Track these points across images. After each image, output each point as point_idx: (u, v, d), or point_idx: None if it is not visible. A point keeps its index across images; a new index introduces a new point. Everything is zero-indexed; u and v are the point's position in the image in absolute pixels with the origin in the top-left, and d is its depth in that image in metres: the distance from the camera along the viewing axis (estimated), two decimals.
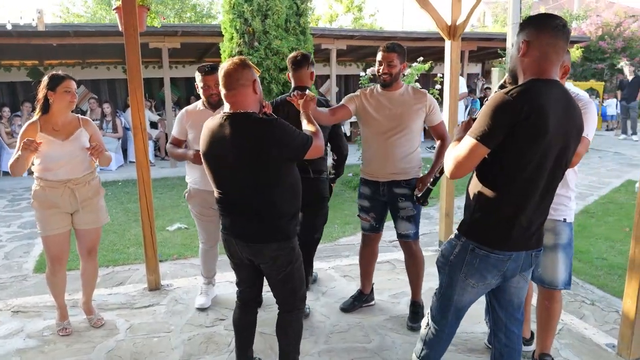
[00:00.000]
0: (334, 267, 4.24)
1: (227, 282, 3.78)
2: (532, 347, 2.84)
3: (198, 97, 3.39)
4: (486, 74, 15.24)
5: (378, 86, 3.13)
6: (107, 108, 9.58)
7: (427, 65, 7.41)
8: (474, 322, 3.11)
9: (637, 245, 2.69)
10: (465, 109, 12.22)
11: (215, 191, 2.34)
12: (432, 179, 2.72)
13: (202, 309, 3.44)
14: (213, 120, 2.28)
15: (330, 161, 3.53)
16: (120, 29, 3.57)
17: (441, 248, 2.08)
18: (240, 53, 7.09)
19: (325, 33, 10.64)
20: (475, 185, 1.92)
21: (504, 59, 12.29)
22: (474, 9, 3.95)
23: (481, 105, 11.60)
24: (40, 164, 2.97)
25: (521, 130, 1.71)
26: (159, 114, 10.97)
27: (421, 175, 3.13)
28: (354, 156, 5.83)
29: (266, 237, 2.26)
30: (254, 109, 2.24)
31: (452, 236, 2.03)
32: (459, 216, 5.46)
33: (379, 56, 3.04)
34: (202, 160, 2.34)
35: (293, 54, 3.32)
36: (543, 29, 1.79)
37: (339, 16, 21.79)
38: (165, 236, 5.34)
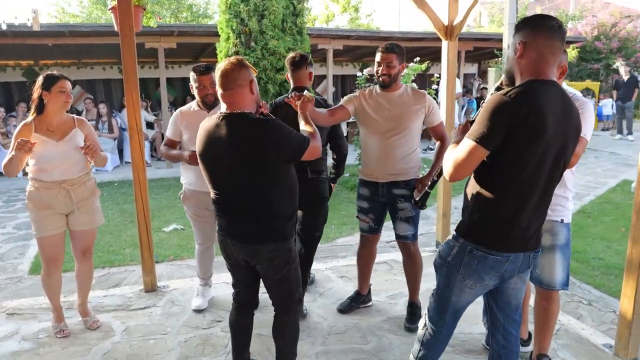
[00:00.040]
0: (331, 267, 4.23)
1: (223, 284, 3.76)
2: (530, 347, 2.84)
3: (194, 98, 3.37)
4: (482, 74, 15.26)
5: (377, 87, 3.12)
6: (102, 108, 9.53)
7: (424, 66, 7.41)
8: (472, 322, 3.11)
9: (634, 246, 2.69)
10: (462, 109, 12.24)
11: (212, 192, 2.33)
12: (430, 183, 2.71)
13: (198, 311, 3.43)
14: (209, 121, 2.27)
15: (330, 161, 3.53)
16: (116, 29, 3.55)
17: (439, 249, 2.07)
18: (236, 53, 7.07)
19: (322, 33, 10.62)
20: (473, 187, 1.92)
21: (500, 59, 12.33)
22: (471, 9, 3.95)
23: (478, 105, 11.64)
24: (35, 165, 2.94)
25: (520, 131, 1.71)
26: (155, 114, 10.93)
27: (421, 176, 3.13)
28: (351, 156, 5.82)
29: (263, 237, 2.25)
30: (250, 109, 2.23)
31: (450, 237, 2.02)
32: (456, 216, 5.48)
33: (378, 57, 3.03)
34: (199, 160, 2.32)
35: (292, 54, 3.32)
36: (539, 30, 1.79)
37: (335, 16, 21.78)
38: (161, 237, 5.31)
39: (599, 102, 14.30)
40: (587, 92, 13.47)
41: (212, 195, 2.33)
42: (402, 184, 3.06)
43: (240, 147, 2.15)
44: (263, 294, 2.48)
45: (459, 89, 11.26)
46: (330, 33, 10.95)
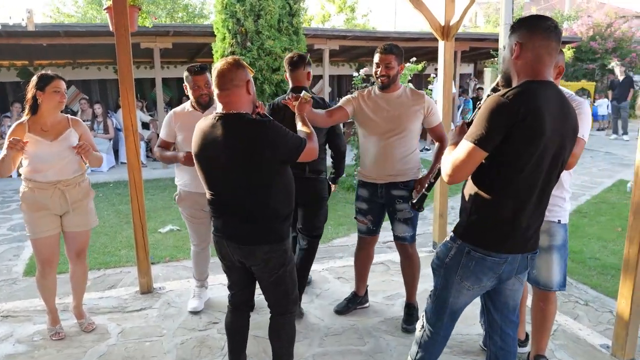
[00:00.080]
0: (328, 268, 4.22)
1: (220, 285, 3.74)
2: (527, 348, 2.84)
3: (189, 98, 3.35)
4: (478, 74, 15.30)
5: (375, 88, 3.11)
6: (98, 109, 9.49)
7: (420, 66, 7.41)
8: (469, 323, 3.10)
9: (631, 246, 2.68)
10: (458, 109, 12.26)
11: (207, 192, 2.31)
12: (427, 185, 2.69)
13: (194, 313, 3.41)
14: (205, 121, 2.25)
15: (329, 161, 3.53)
16: (111, 29, 3.53)
17: (436, 250, 2.06)
18: (232, 53, 7.06)
19: (318, 33, 10.63)
20: (471, 188, 1.91)
21: (496, 59, 12.34)
22: (468, 10, 3.94)
23: (474, 105, 11.66)
24: (29, 165, 2.92)
25: (518, 132, 1.70)
26: (150, 115, 10.90)
27: (420, 177, 3.12)
28: (347, 156, 5.81)
29: (258, 238, 2.24)
30: (247, 110, 2.21)
31: (448, 238, 2.01)
32: (452, 217, 5.48)
33: (376, 58, 3.01)
34: (194, 161, 2.31)
35: (290, 54, 3.34)
36: (535, 31, 1.79)
37: (331, 16, 21.80)
38: (157, 238, 5.29)
39: (594, 102, 14.35)
40: (582, 92, 13.52)
41: (208, 195, 2.31)
42: (401, 185, 3.05)
43: (236, 148, 2.14)
44: (259, 296, 2.47)
45: (453, 89, 11.28)
46: (326, 33, 10.96)
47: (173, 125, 3.28)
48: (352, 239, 5.13)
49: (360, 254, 3.37)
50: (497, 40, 11.77)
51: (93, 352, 2.96)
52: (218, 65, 2.22)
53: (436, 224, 4.54)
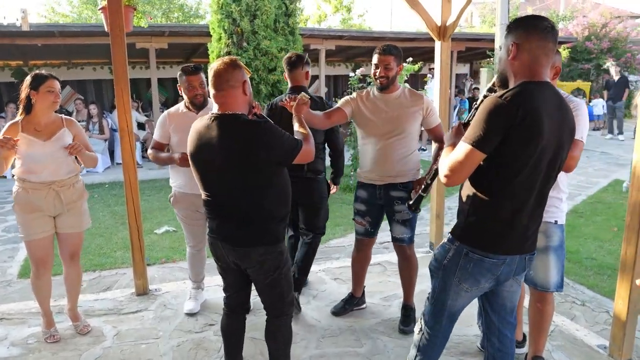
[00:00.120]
0: (325, 269, 4.20)
1: (216, 286, 3.72)
2: (525, 349, 2.83)
3: None
4: (474, 74, 15.33)
5: (374, 89, 3.10)
6: (93, 109, 9.45)
7: (417, 66, 7.41)
8: (466, 324, 3.10)
9: (628, 247, 2.68)
10: (454, 109, 12.27)
11: (203, 193, 2.29)
12: (423, 186, 2.68)
13: (191, 314, 3.39)
14: (201, 121, 2.24)
15: (329, 161, 3.55)
16: (106, 29, 3.50)
17: (434, 252, 2.05)
18: (228, 53, 7.04)
19: (314, 33, 10.61)
20: (468, 189, 1.90)
21: (492, 59, 12.37)
22: (464, 10, 3.94)
23: (470, 105, 11.68)
24: (22, 166, 2.89)
25: (516, 133, 1.69)
26: (146, 115, 10.86)
27: (419, 177, 3.11)
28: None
29: (253, 240, 2.22)
30: (242, 111, 2.20)
31: (445, 240, 2.00)
32: (449, 217, 5.48)
33: (375, 59, 2.99)
34: (190, 162, 2.29)
35: (288, 54, 3.38)
36: (532, 31, 1.78)
37: (327, 16, 21.79)
38: (153, 239, 5.27)
39: (589, 102, 14.41)
40: (578, 92, 13.58)
41: (203, 196, 2.30)
42: (400, 186, 3.04)
43: (232, 149, 2.12)
44: (256, 297, 2.45)
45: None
46: (322, 33, 10.95)
47: (167, 127, 3.26)
48: (349, 240, 5.13)
49: (358, 256, 3.35)
50: (493, 41, 11.80)
51: (88, 355, 2.94)
52: (214, 65, 2.21)
53: (433, 224, 4.54)
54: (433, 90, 4.53)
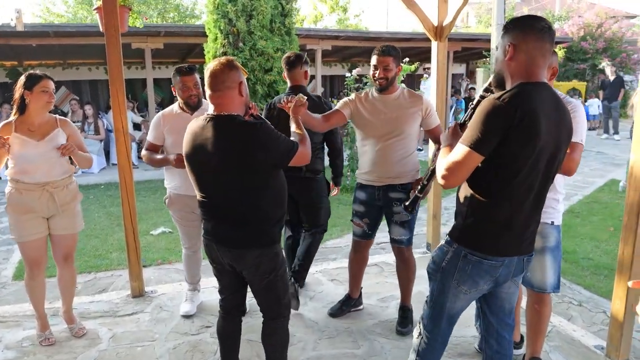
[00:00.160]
0: (322, 270, 4.19)
1: (212, 288, 3.70)
2: (522, 350, 2.83)
3: None
4: (470, 74, 15.35)
5: (373, 90, 3.08)
6: (88, 109, 9.39)
7: (413, 66, 7.41)
8: (464, 325, 3.09)
9: (625, 247, 2.68)
10: (450, 109, 12.28)
11: (198, 194, 2.28)
12: (419, 187, 2.66)
13: (187, 316, 3.37)
14: (196, 122, 2.22)
15: (327, 160, 3.56)
16: (101, 29, 3.48)
17: (432, 255, 2.04)
18: (224, 54, 7.02)
19: (311, 33, 10.61)
20: (466, 191, 1.88)
21: (488, 59, 12.38)
22: (461, 10, 3.93)
23: (466, 105, 11.69)
24: (15, 166, 2.87)
25: (514, 134, 1.68)
26: (142, 115, 10.82)
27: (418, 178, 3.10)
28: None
29: (249, 242, 2.20)
30: (239, 112, 2.18)
31: (443, 242, 1.99)
32: (445, 217, 5.46)
33: (374, 60, 2.97)
34: (185, 163, 2.27)
35: (287, 54, 3.41)
36: (529, 32, 1.77)
37: (323, 17, 21.80)
38: (149, 240, 5.24)
39: (585, 101, 14.46)
40: (573, 92, 13.62)
41: (199, 197, 2.28)
42: (399, 187, 3.02)
43: (228, 150, 2.11)
44: (252, 299, 2.43)
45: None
46: (318, 33, 10.95)
47: (162, 128, 3.23)
48: (346, 240, 5.12)
49: (355, 257, 3.34)
50: (489, 41, 11.80)
51: (84, 357, 2.92)
52: (211, 65, 2.20)
53: (430, 225, 4.53)
54: (430, 90, 4.53)
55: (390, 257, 4.25)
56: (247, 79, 2.32)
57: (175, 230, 5.26)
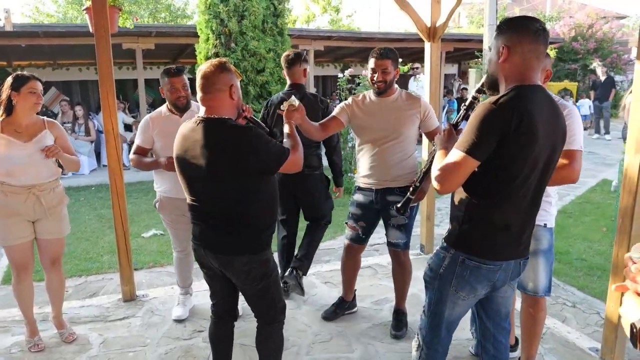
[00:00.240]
0: (315, 273, 4.16)
1: (205, 292, 3.62)
2: (517, 353, 2.82)
3: None
4: (463, 75, 15.40)
5: (371, 93, 3.05)
6: (79, 110, 9.30)
7: (406, 67, 7.41)
8: (459, 328, 2.99)
9: (619, 249, 2.67)
10: (443, 109, 12.30)
11: (188, 198, 2.24)
12: (412, 189, 2.63)
13: (179, 321, 3.33)
14: (187, 125, 2.19)
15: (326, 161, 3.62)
16: (90, 30, 3.43)
17: (428, 262, 2.00)
18: (216, 54, 6.98)
19: (303, 34, 10.58)
20: (461, 195, 1.86)
21: (480, 60, 12.42)
22: (454, 11, 3.92)
23: (458, 105, 11.72)
24: (1, 168, 2.81)
25: (512, 138, 1.65)
26: (133, 116, 10.74)
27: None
28: None
29: (237, 248, 2.16)
30: (229, 115, 2.15)
31: (439, 248, 1.95)
32: (439, 219, 5.44)
33: (372, 63, 2.93)
34: (175, 165, 2.24)
35: (286, 52, 3.46)
36: (524, 34, 1.73)
37: (316, 17, 21.77)
38: (140, 243, 5.19)
39: (576, 102, 14.54)
40: (565, 92, 13.68)
41: (189, 201, 2.25)
42: (397, 190, 2.99)
43: (217, 153, 2.07)
44: (244, 302, 2.40)
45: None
46: (311, 34, 10.92)
47: (151, 132, 3.18)
48: (339, 242, 5.09)
49: (347, 262, 3.30)
50: (481, 41, 11.85)
51: None
52: (202, 67, 2.16)
53: (423, 227, 4.51)
54: (422, 90, 4.52)
55: (384, 259, 4.23)
56: (240, 80, 2.28)
57: (167, 232, 5.22)
